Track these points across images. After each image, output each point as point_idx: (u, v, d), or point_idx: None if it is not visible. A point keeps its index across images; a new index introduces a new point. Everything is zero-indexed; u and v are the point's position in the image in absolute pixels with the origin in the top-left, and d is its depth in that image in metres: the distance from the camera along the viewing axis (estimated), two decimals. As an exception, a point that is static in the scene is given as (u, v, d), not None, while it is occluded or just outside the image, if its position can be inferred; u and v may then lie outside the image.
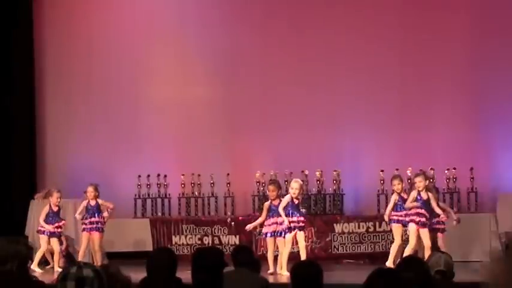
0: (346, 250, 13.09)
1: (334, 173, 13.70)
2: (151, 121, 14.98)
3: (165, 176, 14.40)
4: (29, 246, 12.99)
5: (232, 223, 13.45)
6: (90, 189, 12.45)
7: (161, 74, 15.10)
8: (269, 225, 11.41)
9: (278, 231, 11.31)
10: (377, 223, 12.89)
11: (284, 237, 11.25)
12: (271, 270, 11.17)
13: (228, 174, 14.13)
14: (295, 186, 11.25)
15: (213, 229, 13.52)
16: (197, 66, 14.99)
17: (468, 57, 14.06)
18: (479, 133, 13.94)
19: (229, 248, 12.88)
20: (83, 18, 15.29)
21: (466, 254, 12.61)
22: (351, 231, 13.09)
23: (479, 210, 13.37)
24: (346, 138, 14.37)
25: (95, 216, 12.43)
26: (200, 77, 14.98)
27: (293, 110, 14.46)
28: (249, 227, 11.93)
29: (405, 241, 11.55)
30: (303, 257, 10.85)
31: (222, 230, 13.48)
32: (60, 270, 11.66)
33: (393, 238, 11.73)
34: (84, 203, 12.51)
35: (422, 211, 10.97)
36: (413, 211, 11.01)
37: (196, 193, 14.32)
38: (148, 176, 14.38)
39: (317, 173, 13.69)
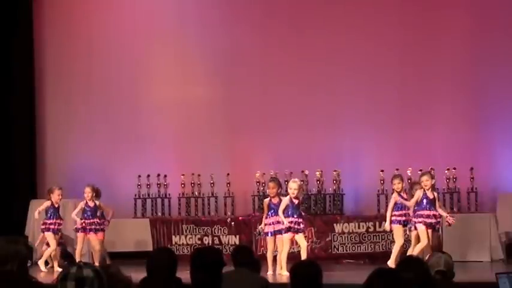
0: (346, 250, 13.08)
1: (334, 173, 13.70)
2: (151, 121, 14.98)
3: (165, 176, 14.40)
4: (28, 246, 13.01)
5: (232, 223, 13.45)
6: (88, 189, 12.42)
7: (161, 74, 15.10)
8: (269, 224, 11.40)
9: (278, 230, 11.30)
10: (377, 223, 12.88)
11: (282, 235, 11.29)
12: (270, 271, 11.15)
13: (228, 174, 14.13)
14: (293, 186, 11.24)
15: (213, 229, 13.52)
16: (197, 66, 14.99)
17: (468, 57, 14.06)
18: (479, 133, 13.94)
19: (229, 248, 12.89)
20: (82, 18, 15.29)
21: (466, 254, 12.63)
22: (351, 231, 13.09)
23: (479, 210, 13.37)
24: (346, 138, 14.37)
25: (92, 218, 12.39)
26: (200, 77, 14.98)
27: (293, 110, 14.47)
28: (259, 228, 11.79)
29: (406, 241, 11.57)
30: (304, 257, 10.82)
31: (222, 230, 13.48)
32: (60, 270, 11.69)
33: (393, 238, 11.73)
34: (82, 203, 12.47)
35: (431, 212, 10.94)
36: (422, 212, 10.97)
37: (196, 193, 14.32)
38: (148, 176, 14.38)
39: (317, 173, 13.69)
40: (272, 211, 11.39)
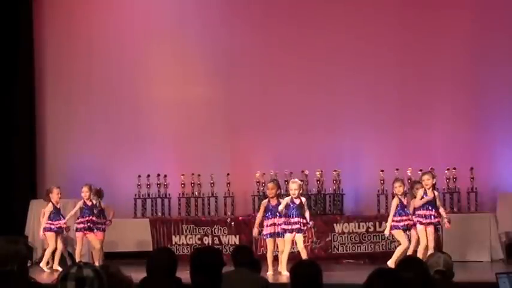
0: (346, 250, 13.08)
1: (334, 173, 13.70)
2: (151, 121, 14.98)
3: (165, 176, 14.41)
4: (28, 246, 13.03)
5: (232, 223, 13.45)
6: (85, 189, 12.42)
7: (161, 74, 15.10)
8: (268, 226, 11.40)
9: (277, 232, 11.31)
10: (377, 223, 12.89)
11: (283, 237, 11.27)
12: (270, 271, 11.14)
13: (228, 174, 14.14)
14: (293, 187, 11.25)
15: (213, 229, 13.52)
16: (197, 66, 14.99)
17: (468, 57, 14.06)
18: (479, 133, 13.95)
19: (229, 248, 12.90)
20: (82, 18, 15.30)
21: (466, 254, 12.63)
22: (351, 231, 13.09)
23: (479, 210, 13.37)
24: (346, 138, 14.37)
25: (89, 217, 12.38)
26: (200, 76, 14.99)
27: (293, 109, 14.47)
28: (255, 232, 11.79)
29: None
30: (304, 257, 10.82)
31: (222, 230, 13.48)
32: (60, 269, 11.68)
33: (393, 239, 11.73)
34: (80, 203, 12.47)
35: (430, 212, 10.96)
36: (422, 212, 10.98)
37: (196, 193, 14.33)
38: (148, 176, 14.39)
39: (317, 173, 13.69)
40: (269, 213, 11.39)
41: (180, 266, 5.20)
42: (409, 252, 10.87)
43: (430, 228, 10.95)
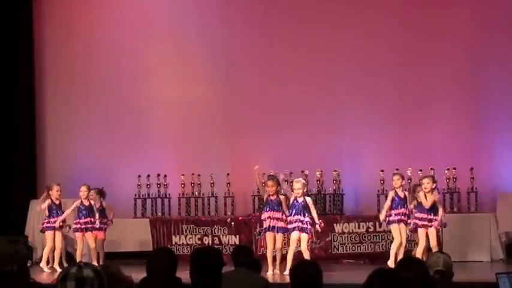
0: (346, 250, 13.08)
1: (334, 173, 13.70)
2: (151, 121, 14.98)
3: (165, 176, 14.41)
4: (28, 246, 13.03)
5: (232, 223, 13.44)
6: (83, 188, 12.41)
7: (161, 74, 15.10)
8: (264, 220, 11.40)
9: (275, 226, 11.30)
10: (377, 223, 12.87)
11: (282, 233, 11.31)
12: (270, 271, 11.13)
13: (228, 174, 14.14)
14: (297, 186, 11.27)
15: (213, 229, 13.51)
16: (197, 66, 14.99)
17: (468, 57, 14.06)
18: (479, 133, 13.95)
19: (229, 248, 12.89)
20: (82, 18, 15.29)
21: (466, 254, 12.63)
22: (351, 231, 13.09)
23: (479, 210, 13.37)
24: (346, 138, 14.37)
25: (85, 217, 12.36)
26: (200, 76, 14.99)
27: (293, 109, 14.47)
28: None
29: (408, 241, 11.61)
30: (306, 258, 10.82)
31: (222, 230, 13.47)
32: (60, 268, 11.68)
33: (393, 238, 11.75)
34: (77, 202, 12.46)
35: (428, 216, 11.03)
36: (420, 215, 11.05)
37: (196, 193, 14.33)
38: (148, 176, 14.39)
39: (317, 173, 13.69)
40: (268, 207, 11.40)
41: (180, 266, 5.20)
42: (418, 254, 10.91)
43: (432, 230, 11.03)
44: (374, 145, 14.11)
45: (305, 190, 11.42)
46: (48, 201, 12.44)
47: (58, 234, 12.49)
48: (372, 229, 13.01)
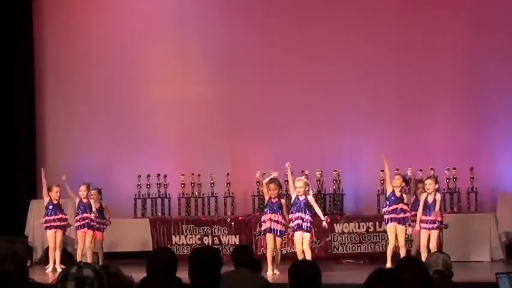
0: (346, 250, 13.09)
1: (334, 173, 13.70)
2: (151, 121, 14.98)
3: (165, 176, 14.41)
4: (28, 245, 13.01)
5: (232, 223, 13.45)
6: (83, 188, 12.46)
7: (161, 73, 15.10)
8: (264, 221, 11.41)
9: (274, 229, 11.31)
10: (377, 223, 12.89)
11: (280, 236, 11.31)
12: (269, 271, 11.12)
13: (228, 174, 14.14)
14: (299, 185, 11.29)
15: (213, 229, 13.52)
16: (197, 66, 14.99)
17: (468, 57, 14.06)
18: (479, 133, 13.95)
19: (229, 248, 12.90)
20: (82, 18, 15.29)
21: (466, 254, 12.63)
22: (351, 231, 13.09)
23: (479, 210, 13.37)
24: (346, 138, 14.37)
25: (81, 214, 12.38)
26: (200, 76, 14.99)
27: (293, 109, 14.47)
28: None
29: (407, 241, 11.62)
30: (308, 257, 10.83)
31: (222, 230, 13.48)
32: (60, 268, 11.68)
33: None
34: (76, 201, 12.48)
35: (429, 218, 11.05)
36: (423, 218, 11.09)
37: (196, 193, 14.33)
38: (148, 176, 14.39)
39: (317, 173, 13.69)
40: (268, 209, 11.40)
41: (180, 266, 5.20)
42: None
43: (434, 232, 11.04)
44: (374, 145, 14.09)
45: (307, 189, 11.42)
46: (46, 200, 12.47)
47: (58, 234, 12.49)
48: (371, 229, 13.02)
